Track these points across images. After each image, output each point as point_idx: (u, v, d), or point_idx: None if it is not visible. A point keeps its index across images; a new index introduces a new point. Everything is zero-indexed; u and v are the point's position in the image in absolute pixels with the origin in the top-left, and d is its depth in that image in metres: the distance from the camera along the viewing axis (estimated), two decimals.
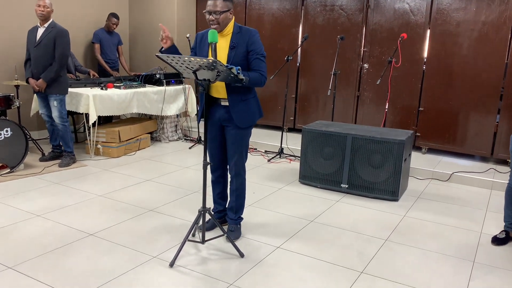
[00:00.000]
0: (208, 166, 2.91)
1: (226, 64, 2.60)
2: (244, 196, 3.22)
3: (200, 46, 2.98)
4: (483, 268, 2.90)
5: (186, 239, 2.81)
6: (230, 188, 3.20)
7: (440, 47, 5.36)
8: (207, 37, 2.76)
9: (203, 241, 2.91)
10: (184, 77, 6.24)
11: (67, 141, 4.79)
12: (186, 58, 2.51)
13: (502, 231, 3.32)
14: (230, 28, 2.89)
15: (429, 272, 2.81)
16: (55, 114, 4.67)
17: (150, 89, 5.69)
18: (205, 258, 2.86)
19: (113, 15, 6.21)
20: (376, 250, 3.10)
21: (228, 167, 3.19)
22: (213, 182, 3.28)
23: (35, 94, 5.12)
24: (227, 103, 2.96)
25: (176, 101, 6.07)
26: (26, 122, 5.61)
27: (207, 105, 2.83)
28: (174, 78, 6.12)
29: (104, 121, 6.06)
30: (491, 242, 3.29)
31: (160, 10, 6.86)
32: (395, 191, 4.06)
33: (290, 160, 5.43)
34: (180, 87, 6.12)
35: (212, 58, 2.45)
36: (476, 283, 2.71)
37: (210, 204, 3.47)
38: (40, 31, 4.58)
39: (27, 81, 4.73)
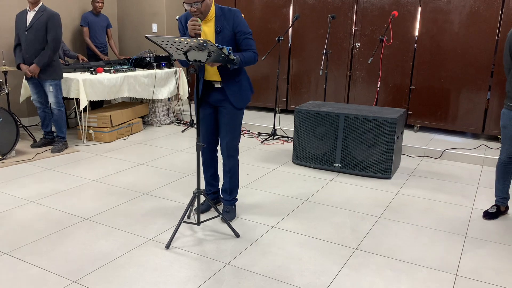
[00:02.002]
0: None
1: (217, 44, 2.58)
2: (237, 177, 3.23)
3: (186, 30, 2.94)
4: (475, 242, 2.95)
5: (181, 220, 2.83)
6: (223, 170, 3.20)
7: (431, 25, 5.34)
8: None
9: (199, 222, 2.92)
10: (174, 60, 6.20)
11: (61, 127, 4.76)
12: (176, 39, 2.49)
13: (493, 205, 3.38)
14: (212, 12, 2.85)
15: (422, 247, 2.86)
16: (51, 99, 4.63)
17: (140, 72, 5.64)
18: (201, 239, 2.88)
19: None
20: (370, 227, 3.14)
21: (220, 148, 3.19)
22: (204, 164, 3.28)
23: (24, 80, 5.04)
24: (220, 85, 2.95)
25: (167, 85, 6.03)
26: (16, 109, 5.55)
27: (199, 87, 2.81)
28: (165, 61, 6.06)
29: (96, 106, 6.01)
30: (482, 216, 3.34)
31: None
32: (388, 169, 4.10)
33: (283, 141, 5.44)
34: (171, 70, 6.07)
35: (203, 38, 2.43)
36: (468, 256, 2.76)
37: (203, 186, 3.47)
38: (31, 15, 4.48)
39: (18, 67, 4.65)
